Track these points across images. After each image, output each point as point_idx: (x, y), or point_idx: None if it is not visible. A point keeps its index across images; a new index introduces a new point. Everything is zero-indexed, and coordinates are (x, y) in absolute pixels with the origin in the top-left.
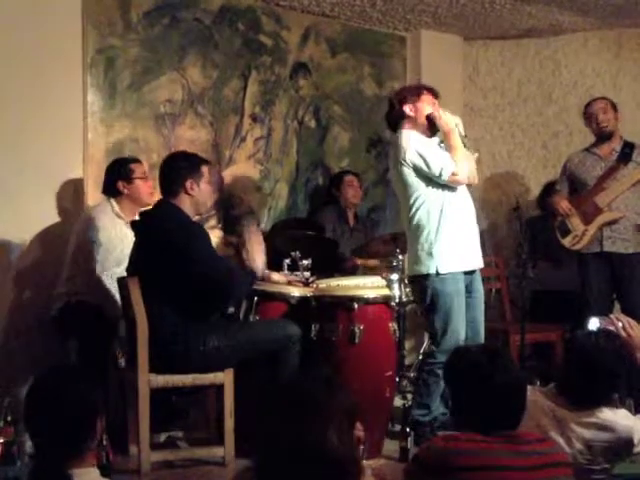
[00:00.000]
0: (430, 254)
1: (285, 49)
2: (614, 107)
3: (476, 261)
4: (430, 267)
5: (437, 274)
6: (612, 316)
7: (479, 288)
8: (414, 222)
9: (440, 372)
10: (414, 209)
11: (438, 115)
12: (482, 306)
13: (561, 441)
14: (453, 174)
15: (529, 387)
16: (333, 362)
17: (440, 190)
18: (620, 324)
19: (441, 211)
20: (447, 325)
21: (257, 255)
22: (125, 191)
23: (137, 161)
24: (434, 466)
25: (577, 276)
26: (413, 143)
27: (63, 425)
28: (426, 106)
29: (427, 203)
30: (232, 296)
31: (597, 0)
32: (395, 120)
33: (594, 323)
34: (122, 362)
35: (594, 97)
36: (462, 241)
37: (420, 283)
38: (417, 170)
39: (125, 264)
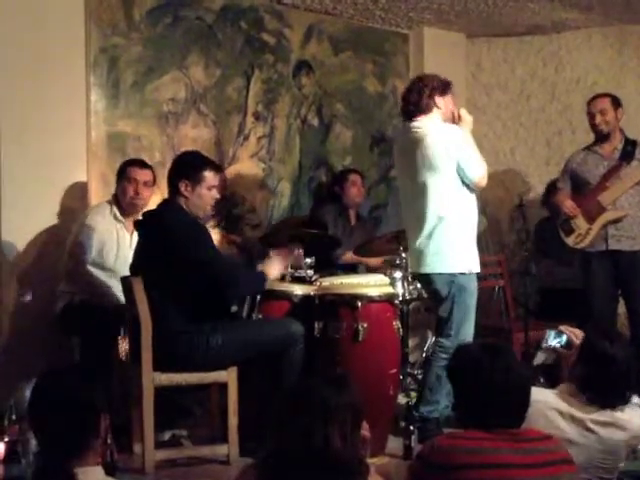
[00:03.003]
0: (460, 253)
1: (288, 47)
2: (616, 104)
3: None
4: (458, 266)
5: (465, 273)
6: (562, 327)
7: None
8: (445, 219)
9: (443, 364)
10: (445, 205)
11: (462, 115)
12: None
13: (580, 441)
14: (482, 177)
15: (542, 390)
16: (337, 360)
17: (468, 190)
18: (571, 334)
19: (469, 211)
20: (464, 321)
21: (273, 270)
22: (118, 191)
23: (136, 164)
24: (438, 464)
25: (581, 274)
26: (459, 138)
27: (67, 424)
28: (450, 103)
29: (459, 201)
30: (237, 292)
31: None
32: (417, 108)
33: (552, 337)
34: (124, 355)
35: (597, 93)
36: (473, 241)
37: (443, 279)
38: (458, 166)
39: (124, 266)
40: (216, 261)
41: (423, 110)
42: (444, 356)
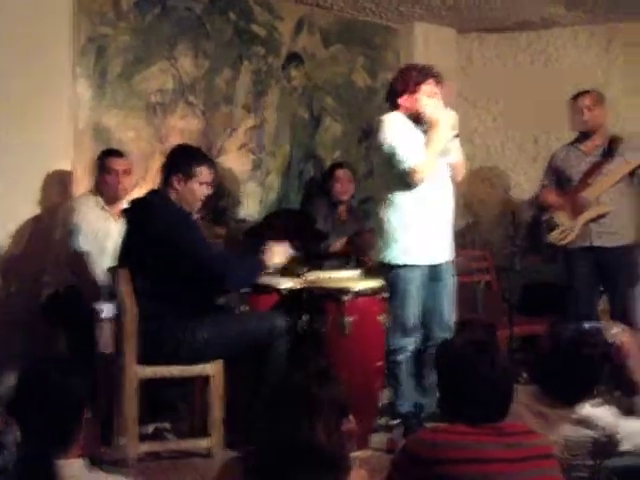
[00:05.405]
0: (389, 245)
1: (278, 39)
2: (601, 100)
3: (442, 254)
4: (387, 257)
5: (392, 264)
6: (604, 322)
7: (447, 279)
8: (381, 210)
9: (393, 358)
10: (383, 197)
11: (428, 112)
12: (449, 296)
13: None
14: (413, 168)
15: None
16: (323, 354)
17: (404, 183)
18: (613, 331)
19: (405, 202)
20: (398, 311)
21: (276, 258)
22: (99, 182)
23: (114, 154)
24: (421, 458)
25: (564, 271)
26: (394, 126)
27: (49, 415)
28: (423, 98)
29: (394, 192)
30: (233, 283)
31: None
32: (391, 101)
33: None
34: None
35: (582, 90)
36: (425, 234)
37: (382, 270)
38: (389, 156)
39: (112, 256)
40: (210, 252)
41: (393, 102)
42: (390, 348)
